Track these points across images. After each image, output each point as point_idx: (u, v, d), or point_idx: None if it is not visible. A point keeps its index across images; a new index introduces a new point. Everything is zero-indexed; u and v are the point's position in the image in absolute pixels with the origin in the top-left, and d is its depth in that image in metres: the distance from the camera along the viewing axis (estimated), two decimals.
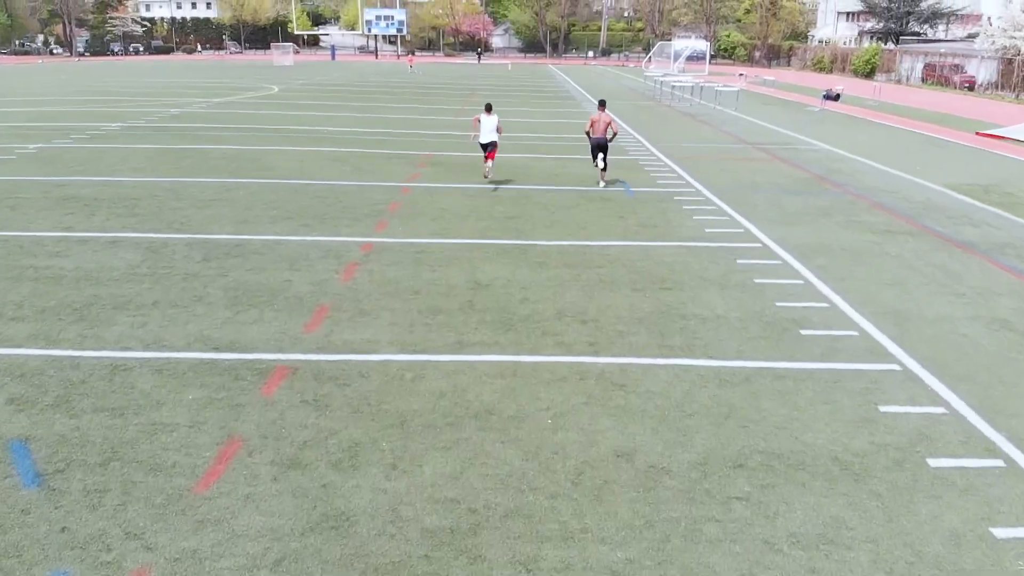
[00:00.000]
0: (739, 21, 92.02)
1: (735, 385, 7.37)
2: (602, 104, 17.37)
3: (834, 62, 71.08)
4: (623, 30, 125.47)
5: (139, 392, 7.07)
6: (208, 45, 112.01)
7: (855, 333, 8.76)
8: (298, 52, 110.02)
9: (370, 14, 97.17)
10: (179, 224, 12.87)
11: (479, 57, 78.84)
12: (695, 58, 76.82)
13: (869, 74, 63.74)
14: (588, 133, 16.81)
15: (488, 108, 17.13)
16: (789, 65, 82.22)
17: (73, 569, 4.74)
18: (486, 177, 16.94)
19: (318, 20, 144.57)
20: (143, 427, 6.43)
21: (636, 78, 61.61)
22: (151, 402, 6.89)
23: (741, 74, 66.86)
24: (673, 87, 41.06)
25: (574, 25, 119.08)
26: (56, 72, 59.08)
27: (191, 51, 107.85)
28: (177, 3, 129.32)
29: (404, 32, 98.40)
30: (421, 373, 7.47)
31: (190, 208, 13.99)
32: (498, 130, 16.91)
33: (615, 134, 16.68)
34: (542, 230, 13.06)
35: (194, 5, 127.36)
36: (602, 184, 16.77)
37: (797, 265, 11.24)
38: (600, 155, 16.56)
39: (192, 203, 14.38)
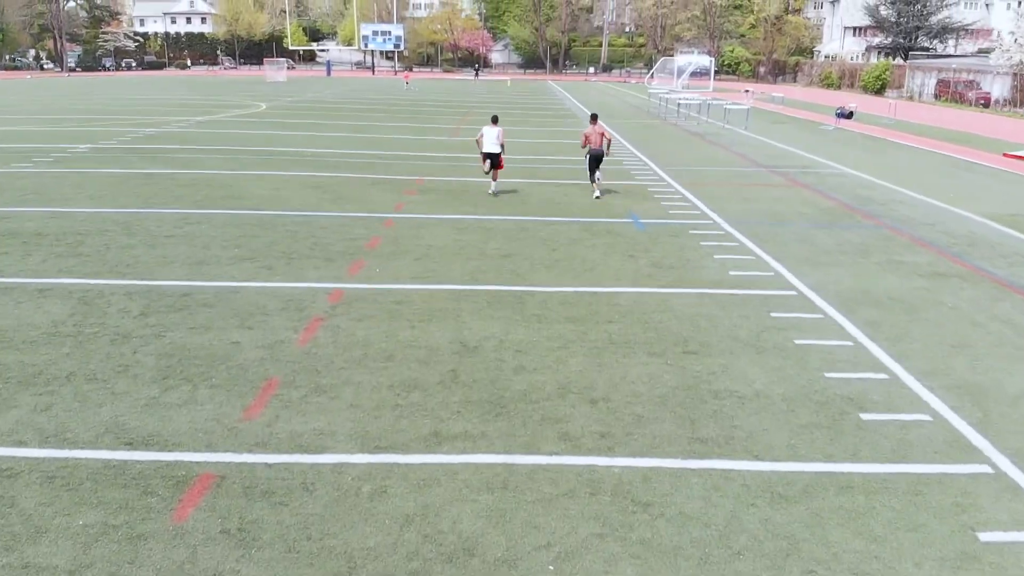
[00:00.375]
0: (743, 37, 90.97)
1: (792, 502, 5.73)
2: (594, 118, 17.51)
3: (842, 78, 69.87)
4: (624, 46, 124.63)
5: (18, 514, 5.45)
6: (202, 60, 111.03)
7: (927, 418, 7.14)
8: (293, 68, 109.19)
9: (367, 29, 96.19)
10: (124, 267, 11.27)
11: (476, 73, 77.58)
12: (699, 74, 75.72)
13: (879, 90, 62.47)
14: (585, 147, 17.14)
15: (494, 120, 17.81)
16: (795, 81, 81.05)
17: None
18: (490, 190, 17.53)
19: (316, 36, 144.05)
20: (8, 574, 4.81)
21: (639, 95, 60.32)
22: (30, 531, 5.27)
23: (747, 90, 65.56)
24: (679, 104, 39.63)
25: (575, 41, 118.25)
26: (40, 88, 57.80)
27: (184, 66, 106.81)
28: (171, 18, 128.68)
29: (402, 48, 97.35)
30: (383, 485, 5.84)
31: (141, 246, 12.40)
32: (502, 144, 17.32)
33: (610, 142, 17.31)
34: (542, 272, 11.47)
35: (189, 20, 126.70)
36: (597, 192, 17.09)
37: (841, 320, 9.64)
38: (597, 166, 17.03)
39: (144, 240, 12.80)
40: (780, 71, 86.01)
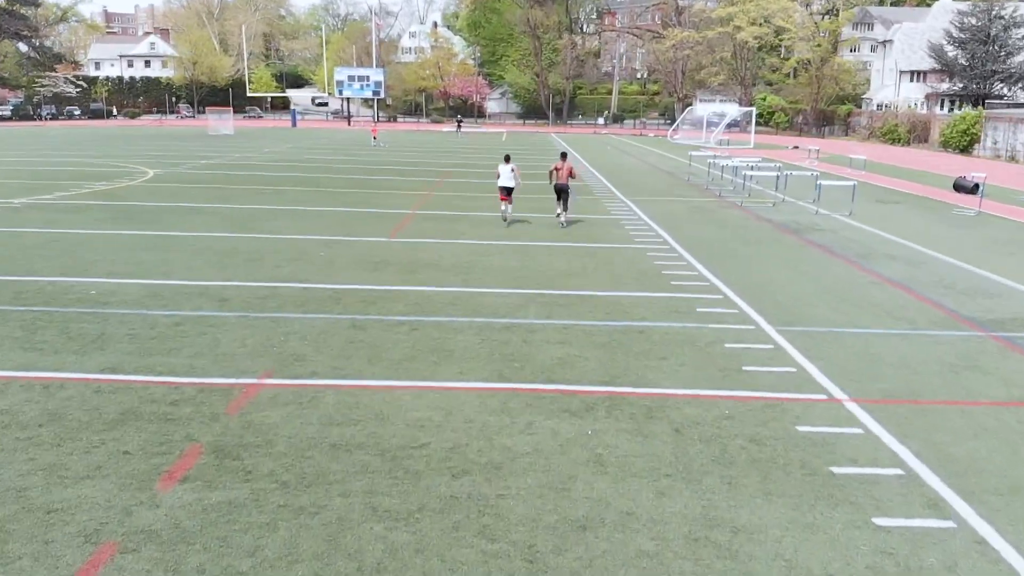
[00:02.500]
0: (782, 83, 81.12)
1: None
2: (563, 156, 20.54)
3: (912, 132, 59.59)
4: (637, 93, 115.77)
5: None
6: (155, 109, 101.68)
7: None
8: (260, 117, 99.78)
9: (341, 74, 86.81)
10: None
11: (459, 125, 67.40)
12: (714, 124, 66.09)
13: (965, 148, 52.07)
14: (552, 177, 20.14)
15: (507, 159, 20.85)
16: (848, 135, 70.88)
17: None
18: (504, 219, 20.80)
19: (296, 82, 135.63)
20: None
21: (666, 153, 49.96)
22: None
23: (795, 146, 55.38)
24: (744, 174, 28.96)
25: (580, 88, 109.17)
26: None
27: (134, 115, 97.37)
28: (128, 61, 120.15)
29: (381, 95, 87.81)
30: None
31: None
32: (516, 178, 20.38)
33: (572, 175, 20.05)
34: None
35: (147, 63, 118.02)
36: (563, 220, 20.20)
37: None
38: (563, 198, 20.05)
39: None
40: (825, 122, 75.99)
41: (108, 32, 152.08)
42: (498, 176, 20.59)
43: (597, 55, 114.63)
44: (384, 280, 13.91)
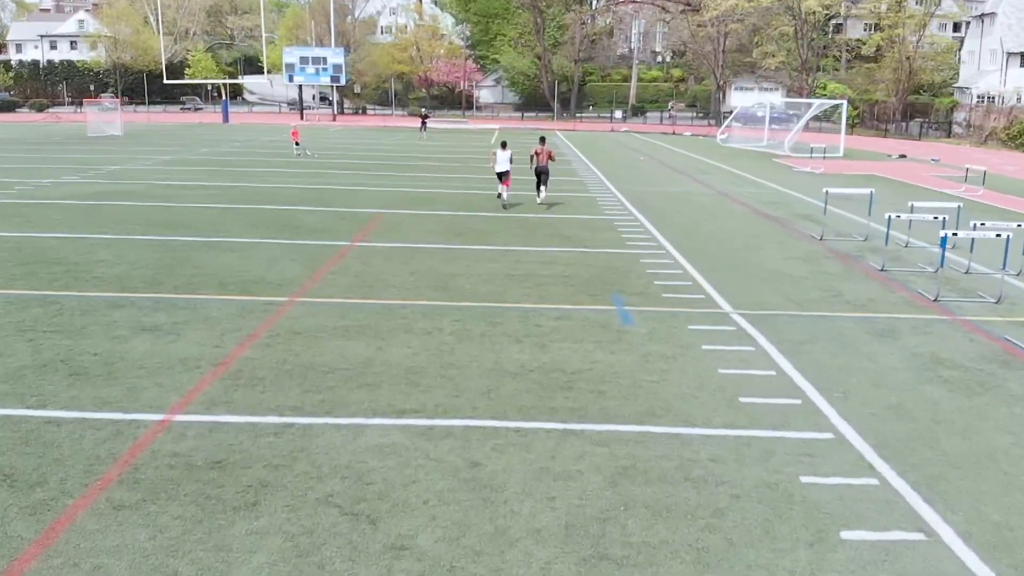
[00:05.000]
0: (854, 69, 66.47)
1: None
2: (542, 140, 22.07)
3: None
4: (660, 80, 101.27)
5: None
6: (69, 98, 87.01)
7: None
8: (199, 109, 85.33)
9: (292, 55, 72.20)
10: None
11: (423, 123, 52.07)
12: (779, 120, 52.02)
13: None
14: (532, 161, 21.75)
15: (503, 145, 21.75)
16: (951, 135, 56.19)
17: None
18: (500, 198, 21.75)
19: (256, 67, 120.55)
20: None
21: (729, 167, 35.51)
22: None
23: (902, 155, 40.95)
24: (945, 239, 14.33)
25: (590, 74, 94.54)
26: None
27: (42, 107, 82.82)
28: (51, 43, 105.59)
29: (342, 81, 73.22)
30: None
31: None
32: (511, 160, 21.35)
33: (553, 160, 21.85)
34: None
35: (73, 45, 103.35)
36: (540, 199, 21.81)
37: None
38: (543, 179, 21.72)
39: None
40: (907, 117, 61.35)
41: (42, 10, 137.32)
42: (495, 162, 21.54)
43: (610, 34, 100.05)
44: None
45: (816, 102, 45.95)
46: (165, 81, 70.41)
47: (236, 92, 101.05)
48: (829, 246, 17.55)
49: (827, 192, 18.28)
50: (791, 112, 66.46)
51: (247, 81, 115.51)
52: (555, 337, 10.59)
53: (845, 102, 42.89)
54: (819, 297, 13.12)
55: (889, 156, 42.79)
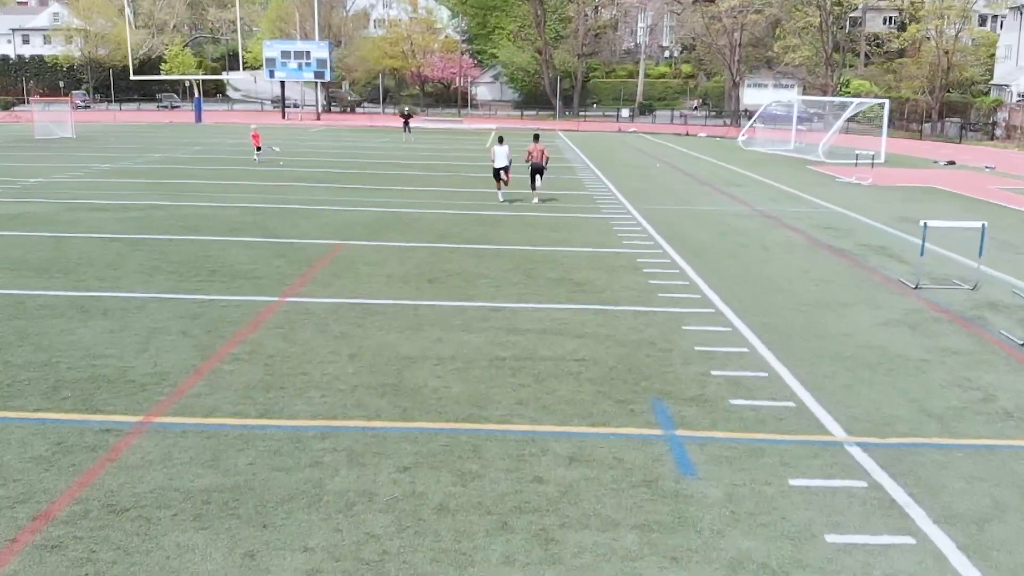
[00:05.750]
0: (877, 65, 62.10)
1: None
2: (536, 137, 23.31)
3: None
4: (668, 76, 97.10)
5: None
6: (41, 95, 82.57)
7: None
8: (176, 107, 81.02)
9: (272, 49, 67.79)
10: None
11: (406, 123, 47.27)
12: (800, 120, 48.03)
13: None
14: (528, 160, 22.41)
15: (500, 140, 22.44)
16: (994, 139, 51.73)
17: None
18: (500, 192, 22.03)
19: (242, 63, 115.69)
20: None
21: (760, 176, 31.26)
22: None
23: (951, 162, 36.62)
24: None
25: (594, 70, 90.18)
26: None
27: (7, 105, 78.42)
28: (24, 36, 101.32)
29: (327, 77, 68.84)
30: None
31: None
32: (510, 160, 21.88)
33: (548, 159, 22.74)
34: None
35: (47, 40, 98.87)
36: (535, 200, 21.96)
37: None
38: (537, 176, 22.29)
39: None
40: (939, 116, 56.90)
41: (19, 3, 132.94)
42: (493, 159, 21.94)
43: (615, 27, 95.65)
44: None
45: (854, 101, 41.50)
46: (132, 77, 65.83)
47: (218, 89, 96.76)
48: (931, 299, 13.15)
49: (925, 226, 13.83)
50: (811, 111, 62.22)
51: (232, 77, 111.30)
52: (569, 517, 6.20)
53: (887, 102, 38.33)
54: (963, 405, 8.74)
55: (936, 162, 38.39)
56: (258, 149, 31.02)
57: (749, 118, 70.94)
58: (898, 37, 61.26)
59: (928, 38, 57.18)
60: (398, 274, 13.82)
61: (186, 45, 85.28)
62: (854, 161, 34.40)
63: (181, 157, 34.15)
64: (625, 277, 14.05)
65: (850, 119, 59.31)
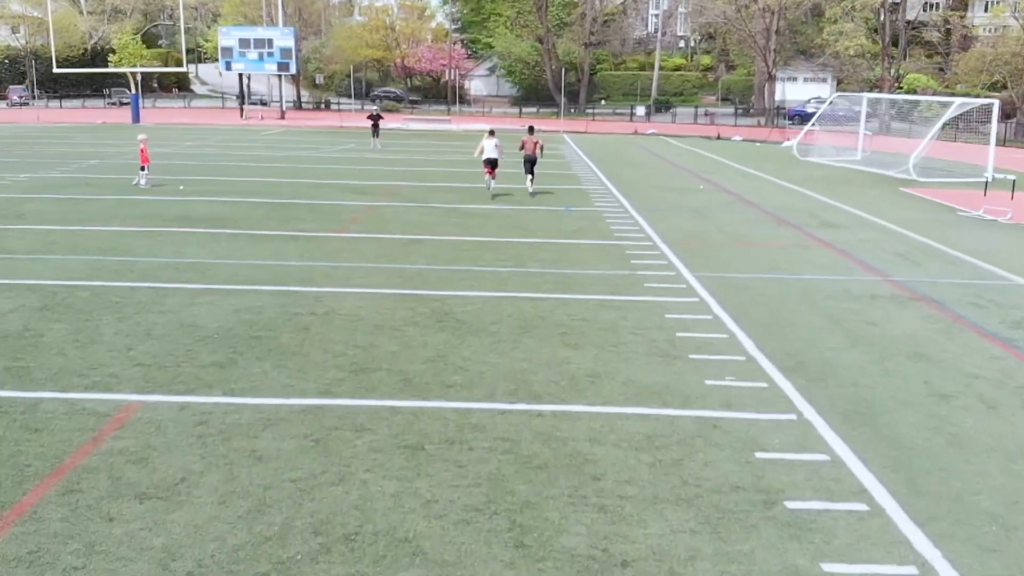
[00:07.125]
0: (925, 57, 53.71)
1: None
2: (531, 129, 22.93)
3: None
4: (685, 68, 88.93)
5: None
6: None
7: None
8: (126, 103, 72.37)
9: (229, 36, 59.24)
10: None
11: (375, 125, 38.09)
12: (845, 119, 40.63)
13: None
14: (522, 151, 22.29)
15: (491, 133, 22.15)
16: None
17: None
18: (489, 189, 21.79)
19: (198, 56, 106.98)
20: None
21: (837, 204, 22.57)
22: None
23: None
24: None
25: (601, 61, 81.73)
26: None
27: None
28: None
29: (292, 69, 60.33)
30: None
31: None
32: (498, 148, 21.72)
33: (543, 149, 22.60)
34: None
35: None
36: (530, 188, 22.16)
37: None
38: (531, 168, 22.21)
39: None
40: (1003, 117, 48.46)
41: None
42: (481, 151, 21.76)
43: (625, 13, 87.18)
44: None
45: (956, 101, 32.87)
46: (55, 70, 57.36)
47: (179, 83, 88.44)
48: None
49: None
50: (856, 109, 53.98)
51: (202, 70, 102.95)
52: None
53: (996, 103, 29.73)
54: None
55: None
56: (142, 168, 22.53)
57: (783, 116, 62.65)
58: (976, 26, 52.77)
59: (1005, 26, 48.64)
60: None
61: (137, 32, 76.54)
62: (958, 180, 25.93)
63: (53, 178, 25.67)
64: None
65: (903, 118, 51.10)
